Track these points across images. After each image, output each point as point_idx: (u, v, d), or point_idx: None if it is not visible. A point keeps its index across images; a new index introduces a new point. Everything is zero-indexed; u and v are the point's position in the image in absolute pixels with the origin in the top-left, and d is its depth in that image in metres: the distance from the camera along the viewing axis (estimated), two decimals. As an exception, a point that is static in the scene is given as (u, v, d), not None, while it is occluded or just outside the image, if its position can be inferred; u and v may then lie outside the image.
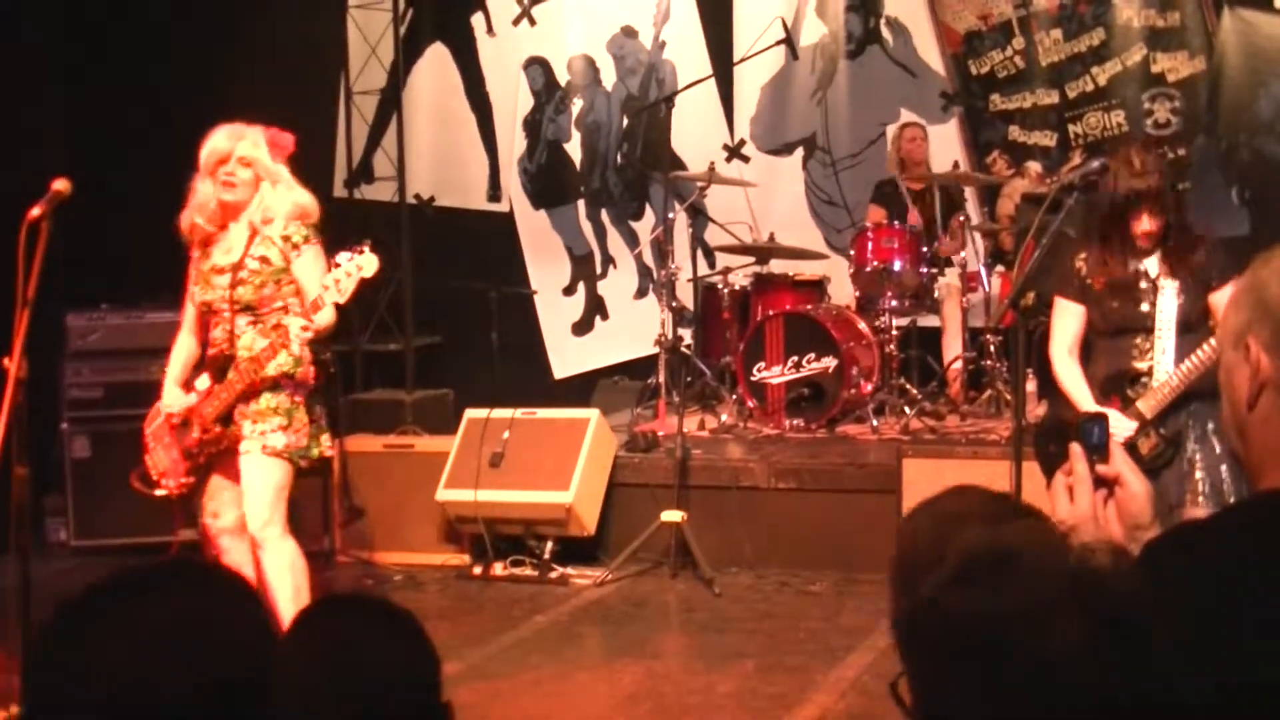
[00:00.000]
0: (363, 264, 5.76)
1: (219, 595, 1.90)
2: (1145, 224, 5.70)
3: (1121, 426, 5.64)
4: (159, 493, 6.36)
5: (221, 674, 1.80)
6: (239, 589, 1.96)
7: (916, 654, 1.62)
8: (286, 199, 6.14)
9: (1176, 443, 5.67)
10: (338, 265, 5.80)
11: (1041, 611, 1.52)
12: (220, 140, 6.12)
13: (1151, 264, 5.79)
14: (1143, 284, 5.79)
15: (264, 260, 6.08)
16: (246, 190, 6.11)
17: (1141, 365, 5.76)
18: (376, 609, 2.54)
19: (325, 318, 5.90)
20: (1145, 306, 5.77)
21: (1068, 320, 5.99)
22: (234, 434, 6.11)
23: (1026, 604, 1.53)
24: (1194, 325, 5.64)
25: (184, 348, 6.42)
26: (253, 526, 6.10)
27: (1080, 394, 5.87)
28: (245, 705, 1.83)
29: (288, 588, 6.08)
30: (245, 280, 6.08)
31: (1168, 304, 5.73)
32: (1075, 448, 2.58)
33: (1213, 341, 5.35)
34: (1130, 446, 5.70)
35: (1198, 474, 5.62)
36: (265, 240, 6.09)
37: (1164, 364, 5.70)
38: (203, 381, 6.21)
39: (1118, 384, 5.81)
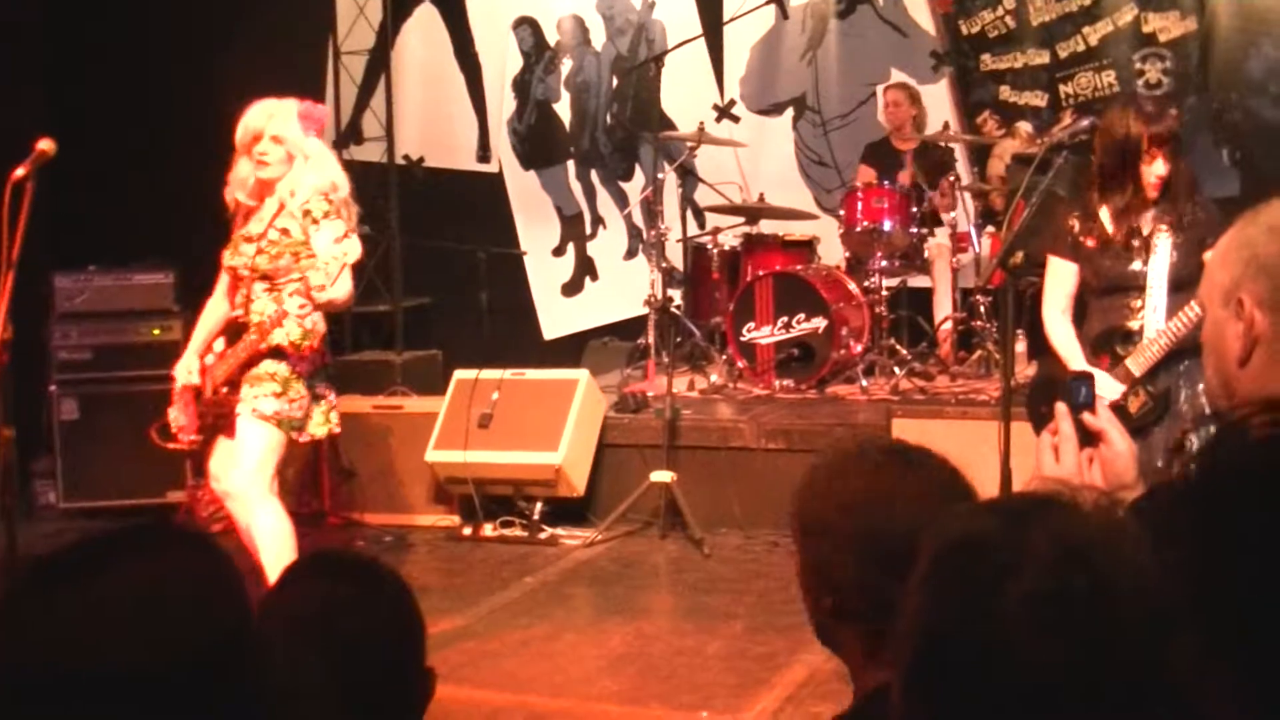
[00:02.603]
0: (347, 249, 5.91)
1: (191, 559, 1.87)
2: (1159, 167, 5.64)
3: (1110, 388, 5.65)
4: (172, 446, 6.45)
5: (193, 641, 1.79)
6: (213, 552, 1.94)
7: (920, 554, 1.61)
8: (315, 174, 6.24)
9: (1165, 400, 5.67)
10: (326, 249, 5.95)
11: (1018, 554, 1.51)
12: (254, 118, 6.24)
13: (1145, 221, 5.77)
14: (1135, 241, 5.77)
15: (284, 232, 6.20)
16: (280, 167, 6.23)
17: (1133, 324, 5.75)
18: (364, 569, 2.54)
19: (332, 293, 5.97)
20: (1137, 264, 5.74)
21: (1060, 278, 5.97)
22: (237, 400, 6.18)
23: (1011, 542, 1.52)
24: (1186, 284, 5.59)
25: (213, 311, 6.55)
26: (233, 487, 6.20)
27: (1071, 352, 5.86)
28: (220, 673, 1.81)
29: (271, 551, 6.12)
30: (264, 250, 6.21)
31: (1160, 261, 5.70)
32: (1061, 406, 2.57)
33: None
34: (1119, 405, 5.71)
35: (1193, 437, 5.62)
36: (289, 213, 6.21)
37: (1154, 322, 5.68)
38: (219, 344, 6.34)
39: (1108, 342, 5.81)
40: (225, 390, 6.21)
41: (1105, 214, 5.81)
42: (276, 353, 6.13)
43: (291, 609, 2.40)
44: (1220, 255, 2.31)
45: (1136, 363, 5.68)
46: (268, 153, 6.19)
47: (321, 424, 6.36)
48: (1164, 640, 1.50)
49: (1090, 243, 5.83)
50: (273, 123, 6.19)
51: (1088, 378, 2.63)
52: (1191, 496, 1.79)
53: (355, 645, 2.35)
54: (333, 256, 5.88)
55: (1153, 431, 5.68)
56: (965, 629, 1.50)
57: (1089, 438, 2.55)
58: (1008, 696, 1.47)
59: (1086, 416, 2.55)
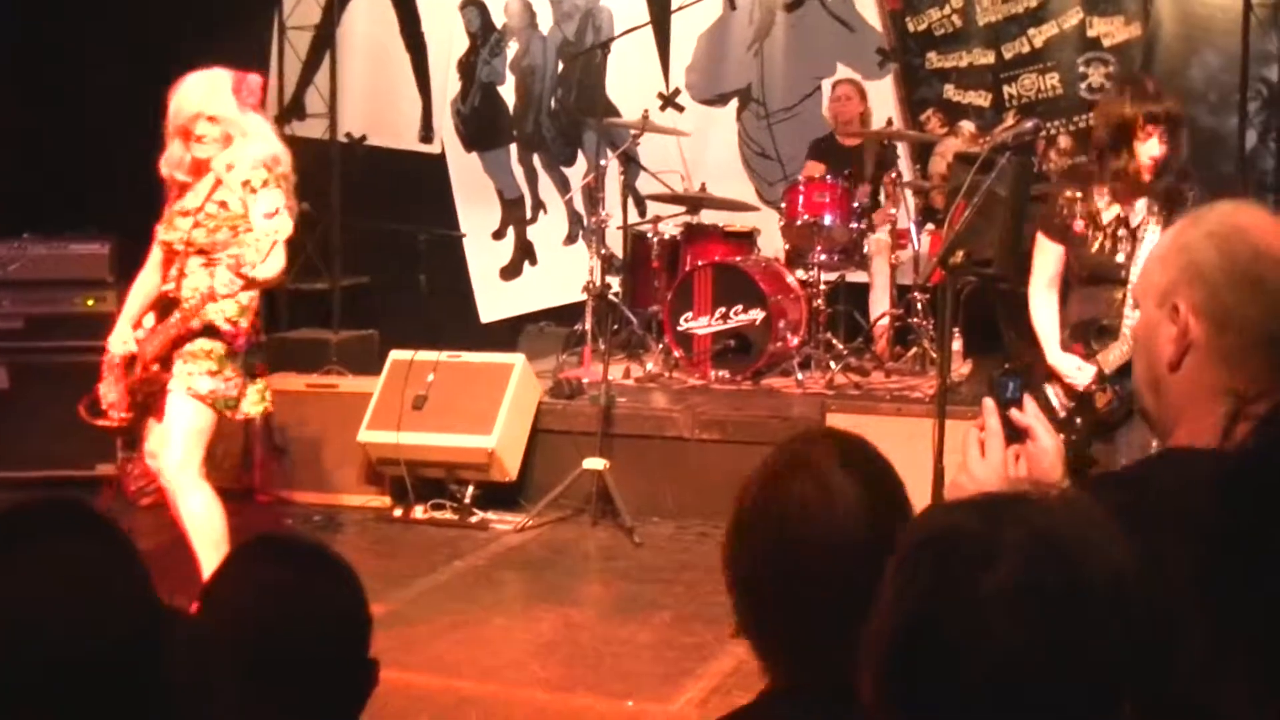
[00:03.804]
0: (277, 226, 5.85)
1: (91, 544, 1.85)
2: (1153, 147, 5.59)
3: (1083, 374, 5.69)
4: (102, 423, 6.35)
5: (91, 625, 1.76)
6: (114, 537, 1.91)
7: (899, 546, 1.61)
8: (253, 149, 6.14)
9: (1132, 400, 5.68)
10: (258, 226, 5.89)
11: (993, 550, 1.51)
12: (187, 97, 6.13)
13: (1136, 210, 5.73)
14: (1121, 232, 5.75)
15: (222, 205, 6.11)
16: (216, 146, 6.13)
17: (1111, 317, 5.74)
18: (310, 555, 2.50)
19: (263, 270, 5.85)
20: (1120, 256, 5.73)
21: (1047, 258, 5.99)
22: (169, 377, 6.10)
23: (988, 538, 1.52)
24: None
25: (144, 284, 6.42)
26: (165, 469, 6.11)
27: (1048, 333, 5.89)
28: (125, 659, 1.79)
29: (203, 534, 6.08)
30: (201, 224, 6.11)
31: (1144, 254, 5.60)
32: (988, 402, 2.58)
33: None
34: (1086, 399, 5.73)
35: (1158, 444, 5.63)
36: (227, 187, 6.11)
37: (1133, 318, 5.67)
38: (149, 319, 6.23)
39: (1084, 333, 5.82)
40: (156, 367, 6.13)
41: (1101, 198, 5.79)
42: (211, 330, 6.05)
43: (235, 594, 2.38)
44: (1159, 255, 2.32)
45: (1107, 359, 5.69)
46: (205, 134, 6.09)
47: (256, 402, 6.30)
48: (1139, 633, 1.51)
49: (1079, 226, 5.81)
50: (207, 102, 6.09)
51: (1017, 375, 2.64)
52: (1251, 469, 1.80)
53: (299, 633, 2.32)
54: (264, 233, 5.81)
55: (1119, 431, 5.71)
56: (941, 622, 1.50)
57: (1016, 434, 2.56)
58: (983, 688, 1.48)
59: (1014, 413, 2.55)
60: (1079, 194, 5.85)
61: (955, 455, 5.57)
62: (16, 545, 1.81)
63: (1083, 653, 1.48)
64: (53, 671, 1.73)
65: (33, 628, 1.74)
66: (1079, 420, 5.77)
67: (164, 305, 6.18)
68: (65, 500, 1.95)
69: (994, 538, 1.52)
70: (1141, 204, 5.73)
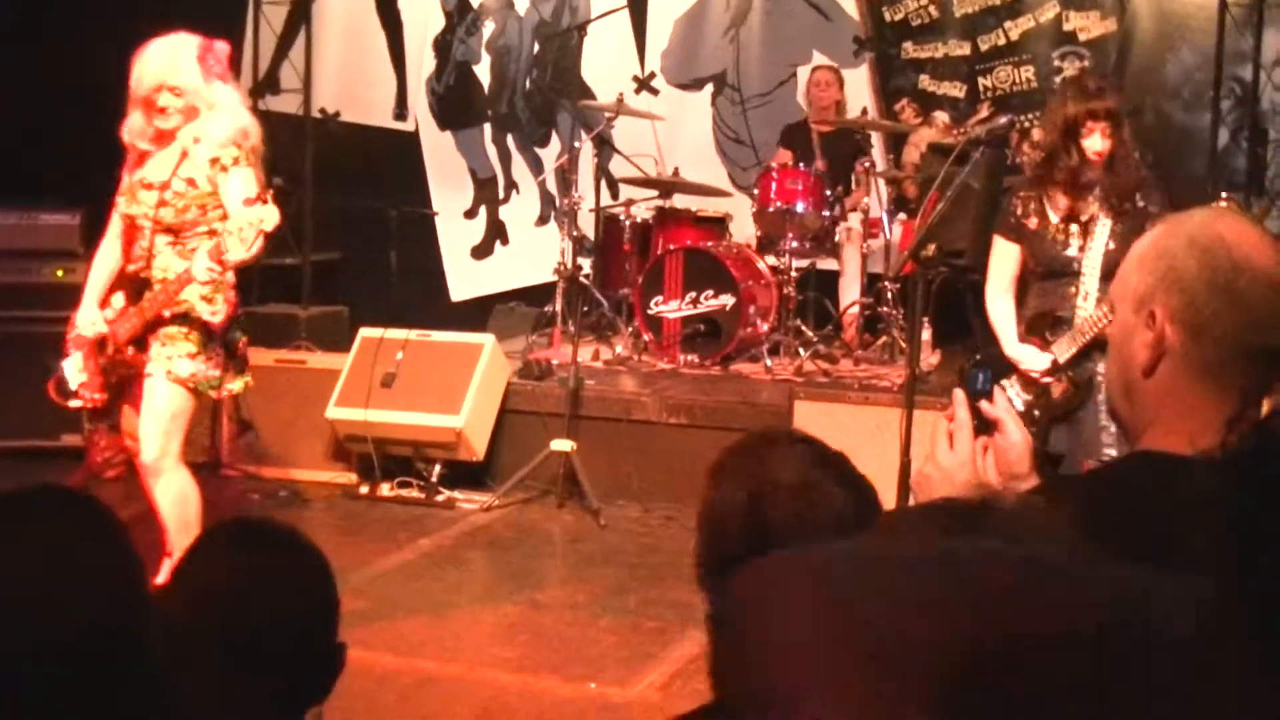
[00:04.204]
0: (264, 215, 5.60)
1: (78, 526, 1.85)
2: (1096, 141, 5.74)
3: (1038, 361, 5.78)
4: (73, 404, 6.25)
5: (81, 611, 1.76)
6: (102, 518, 1.91)
7: None
8: (221, 122, 5.92)
9: (1089, 387, 5.77)
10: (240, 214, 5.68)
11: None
12: (151, 68, 5.90)
13: (1085, 206, 5.85)
14: (1074, 227, 5.87)
15: (190, 182, 5.90)
16: (180, 118, 5.92)
17: (1066, 310, 5.86)
18: (280, 540, 2.50)
19: (238, 255, 5.68)
20: (1073, 250, 5.86)
21: (1004, 259, 6.09)
22: (145, 359, 5.97)
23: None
24: None
25: (107, 257, 6.21)
26: (146, 453, 5.98)
27: (1005, 332, 6.00)
28: (111, 641, 1.79)
29: (177, 520, 5.98)
30: (168, 202, 5.91)
31: (1096, 248, 5.81)
32: (958, 393, 2.59)
33: None
34: (1042, 390, 5.82)
35: (1112, 426, 5.74)
36: (193, 161, 5.91)
37: (1087, 309, 5.79)
38: (118, 299, 6.07)
39: (1039, 326, 5.92)
40: (130, 350, 6.00)
41: (1053, 197, 5.91)
42: (188, 314, 5.91)
43: (204, 578, 2.37)
44: (1137, 259, 2.32)
45: (1062, 349, 5.80)
46: (168, 105, 5.88)
47: (237, 378, 6.23)
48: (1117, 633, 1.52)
49: (1032, 224, 5.94)
50: (170, 72, 5.86)
51: (986, 367, 2.66)
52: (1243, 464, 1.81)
53: (268, 616, 2.33)
54: (248, 222, 5.56)
55: (1077, 417, 5.81)
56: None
57: (985, 426, 2.58)
58: None
59: (984, 405, 2.57)
60: (1032, 194, 5.97)
61: (923, 446, 5.63)
62: (5, 528, 1.81)
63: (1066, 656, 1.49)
64: (37, 654, 1.73)
65: (16, 611, 1.74)
66: (1037, 413, 5.85)
67: (134, 285, 6.02)
68: (57, 486, 1.94)
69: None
70: (1092, 198, 5.84)
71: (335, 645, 2.41)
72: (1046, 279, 5.98)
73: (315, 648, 2.38)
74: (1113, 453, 5.68)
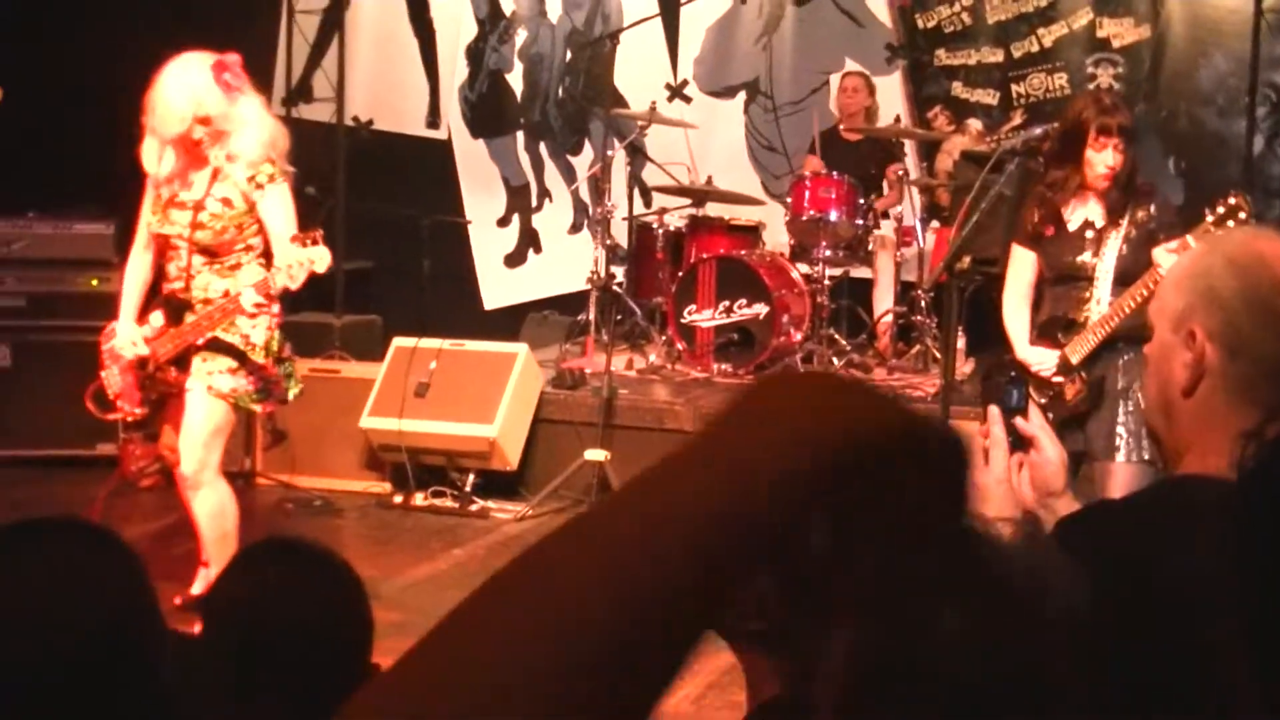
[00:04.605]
0: (315, 257, 5.63)
1: (86, 554, 1.86)
2: (1109, 156, 5.78)
3: (1047, 360, 5.81)
4: (112, 416, 6.29)
5: (88, 636, 1.77)
6: (110, 546, 1.92)
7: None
8: (251, 139, 5.91)
9: (1100, 387, 5.80)
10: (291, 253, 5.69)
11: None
12: (175, 105, 5.82)
13: (1096, 214, 5.89)
14: (1088, 234, 5.90)
15: (226, 202, 5.92)
16: (211, 142, 5.90)
17: (1080, 314, 5.89)
18: (316, 560, 2.50)
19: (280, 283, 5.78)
20: (1086, 256, 5.90)
21: (1020, 266, 6.14)
22: (185, 377, 6.02)
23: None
24: (1132, 278, 5.74)
25: (137, 269, 6.22)
26: (186, 466, 6.01)
27: (1019, 339, 6.04)
28: (115, 668, 1.79)
29: (215, 532, 6.03)
30: (205, 224, 5.93)
31: (1109, 255, 5.84)
32: (992, 410, 2.58)
33: (1140, 291, 5.48)
34: (1056, 392, 5.84)
35: (1123, 429, 5.76)
36: (228, 180, 5.92)
37: (1098, 314, 5.83)
38: (157, 318, 6.10)
39: (1052, 329, 5.97)
40: (173, 371, 6.04)
41: (1067, 204, 5.96)
42: (230, 323, 5.95)
43: (240, 596, 2.37)
44: (1175, 278, 2.31)
45: (1074, 351, 5.83)
46: (203, 138, 5.86)
47: (295, 386, 6.26)
48: (1097, 656, 1.51)
49: (1048, 231, 5.98)
50: (198, 105, 5.81)
51: (1021, 382, 2.64)
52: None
53: (301, 636, 2.32)
54: (298, 262, 5.60)
55: (1090, 418, 5.83)
56: (900, 666, 1.50)
57: (1020, 442, 2.56)
58: None
59: (1019, 421, 2.55)
60: (1044, 200, 6.01)
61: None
62: (15, 553, 1.82)
63: (1045, 677, 1.48)
64: (44, 677, 1.73)
65: (26, 634, 1.74)
66: (1051, 416, 5.85)
67: (173, 305, 6.05)
68: (68, 516, 1.95)
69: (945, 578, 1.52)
70: (1099, 209, 5.87)
71: (369, 665, 2.41)
72: (1058, 284, 6.03)
73: (349, 667, 2.37)
74: (1123, 457, 5.74)
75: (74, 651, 1.77)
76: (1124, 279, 5.78)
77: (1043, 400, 5.88)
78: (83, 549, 1.89)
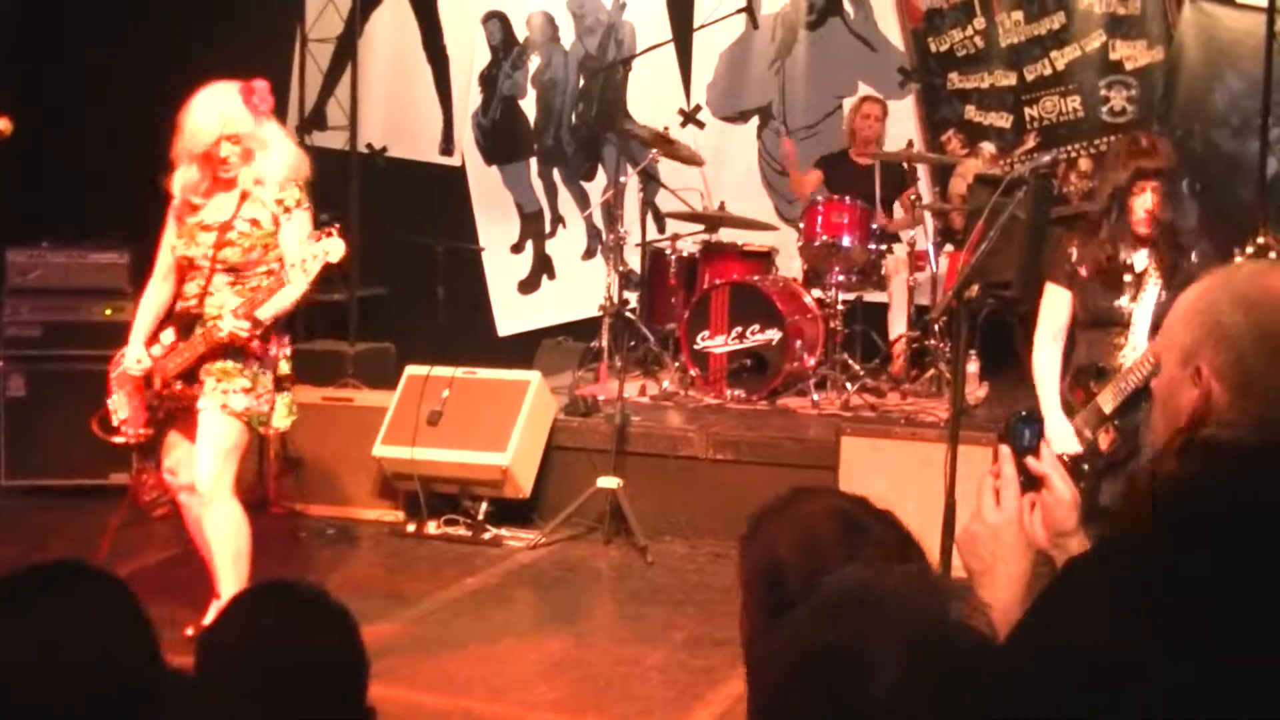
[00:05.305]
0: (329, 248, 5.80)
1: (92, 601, 1.86)
2: (1147, 200, 5.76)
3: (1069, 444, 5.73)
4: (117, 440, 6.34)
5: (93, 682, 1.77)
6: (116, 593, 1.92)
7: (759, 676, 1.62)
8: (277, 161, 6.08)
9: (1136, 437, 5.72)
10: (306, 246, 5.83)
11: (872, 653, 1.51)
12: (205, 123, 5.99)
13: (1139, 259, 5.85)
14: (1127, 277, 5.86)
15: (254, 223, 6.06)
16: (239, 165, 6.05)
17: (1113, 360, 5.84)
18: (311, 603, 2.50)
19: (286, 298, 5.97)
20: (1124, 300, 5.85)
21: (1055, 306, 6.09)
22: (195, 393, 6.09)
23: (860, 644, 1.52)
24: None
25: (156, 295, 6.34)
26: (200, 485, 6.09)
27: (1046, 387, 5.98)
28: (117, 711, 1.79)
29: (229, 550, 6.10)
30: (233, 242, 6.05)
31: (1147, 300, 5.80)
32: (1004, 449, 2.57)
33: None
34: (1090, 443, 5.79)
35: None
36: (257, 202, 6.06)
37: (1130, 358, 5.78)
38: (167, 335, 6.20)
39: (1085, 378, 5.90)
40: (180, 385, 6.12)
41: (1106, 246, 5.93)
42: (241, 347, 6.03)
43: (235, 641, 2.37)
44: (1183, 314, 2.29)
45: (1107, 400, 5.75)
46: (229, 155, 6.01)
47: (285, 416, 6.29)
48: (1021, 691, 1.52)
49: (1084, 272, 5.93)
50: (226, 122, 5.98)
51: (1035, 421, 2.63)
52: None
53: (296, 682, 2.32)
54: (313, 255, 5.76)
55: (1123, 469, 5.75)
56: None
57: (1032, 482, 2.55)
58: None
59: (1030, 461, 2.54)
60: (1086, 242, 5.98)
61: (968, 482, 5.58)
62: (20, 602, 1.82)
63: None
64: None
65: (30, 683, 1.74)
66: (1086, 465, 5.81)
67: (185, 321, 6.15)
68: (70, 561, 1.95)
69: (866, 642, 1.52)
70: (1143, 254, 5.84)
71: (365, 708, 2.40)
72: (1092, 328, 5.96)
73: (345, 710, 2.37)
74: None
75: (73, 699, 1.77)
76: (1160, 326, 5.72)
77: (1079, 450, 5.84)
78: (83, 595, 1.89)
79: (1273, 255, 5.30)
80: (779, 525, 2.43)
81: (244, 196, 6.08)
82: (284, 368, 6.27)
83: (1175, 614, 1.88)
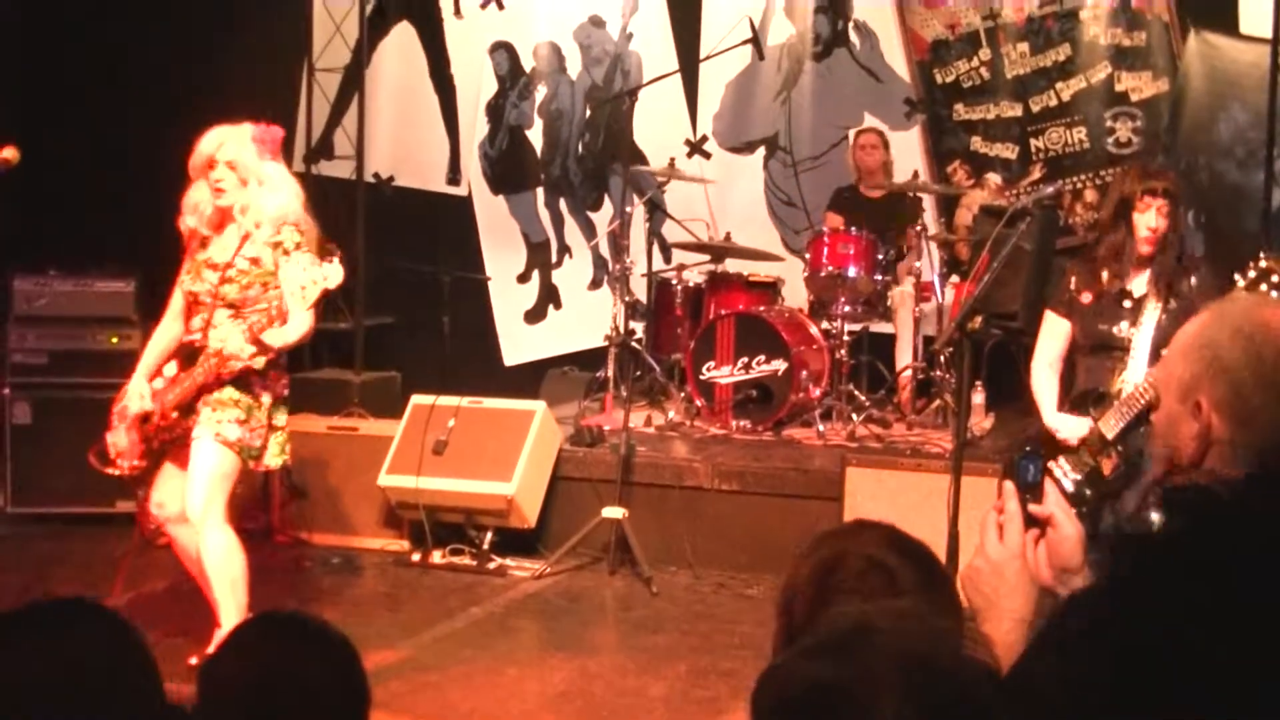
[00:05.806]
0: (328, 274, 5.85)
1: (96, 638, 1.86)
2: (1151, 218, 5.79)
3: (1075, 429, 5.77)
4: (111, 471, 6.38)
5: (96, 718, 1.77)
6: (119, 630, 1.92)
7: (757, 707, 1.62)
8: (271, 201, 6.14)
9: (1137, 462, 5.73)
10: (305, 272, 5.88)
11: (871, 688, 1.51)
12: (204, 145, 6.15)
13: (1139, 284, 5.87)
14: (1126, 303, 5.88)
15: (254, 261, 6.13)
16: (236, 193, 6.13)
17: (1112, 386, 5.85)
18: (312, 635, 2.50)
19: (293, 331, 6.00)
20: (1123, 326, 5.87)
21: (1053, 334, 6.13)
22: (190, 424, 6.14)
23: (859, 679, 1.52)
24: None
25: (164, 334, 6.43)
26: (191, 513, 6.13)
27: (1045, 402, 6.00)
28: None
29: (224, 578, 6.12)
30: (233, 279, 6.13)
31: (1146, 326, 5.81)
32: (1008, 486, 2.57)
33: None
34: (1093, 469, 5.78)
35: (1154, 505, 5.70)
36: (256, 243, 6.14)
37: (1129, 384, 5.79)
38: (170, 368, 6.26)
39: (1084, 404, 5.92)
40: (176, 415, 6.15)
41: (1105, 272, 5.95)
42: (239, 379, 6.07)
43: (235, 672, 2.37)
44: (1182, 348, 2.30)
45: (1108, 425, 5.76)
46: (223, 179, 6.11)
47: (277, 455, 6.33)
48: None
49: (1085, 299, 5.96)
50: (225, 148, 6.11)
51: (1037, 457, 2.63)
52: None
53: (297, 712, 2.32)
54: (311, 281, 5.81)
55: (1124, 494, 5.76)
56: None
57: (1036, 519, 2.55)
58: None
59: (1033, 507, 2.54)
60: (1085, 268, 6.00)
61: (972, 511, 5.58)
62: (24, 639, 1.83)
63: None
64: None
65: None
66: (1088, 492, 5.82)
67: (188, 354, 6.20)
68: (72, 601, 1.96)
69: (865, 678, 1.53)
70: (1143, 279, 5.86)
71: None
72: (1094, 355, 5.98)
73: None
74: None
75: None
76: (1160, 351, 5.73)
77: (1078, 477, 5.85)
78: (86, 632, 1.89)
79: (1275, 279, 5.28)
80: (814, 555, 2.45)
81: (245, 238, 6.16)
82: (280, 418, 6.31)
83: (1175, 651, 1.88)
